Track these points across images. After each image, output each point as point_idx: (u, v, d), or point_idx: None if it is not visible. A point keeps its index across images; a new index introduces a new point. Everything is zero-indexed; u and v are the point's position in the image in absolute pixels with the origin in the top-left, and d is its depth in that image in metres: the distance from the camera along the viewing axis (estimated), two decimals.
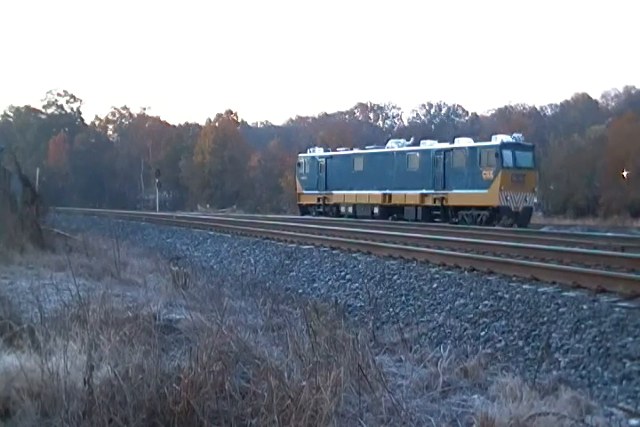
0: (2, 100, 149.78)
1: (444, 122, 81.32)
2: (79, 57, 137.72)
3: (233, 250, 17.67)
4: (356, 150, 35.49)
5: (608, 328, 7.17)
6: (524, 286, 9.12)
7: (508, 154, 26.31)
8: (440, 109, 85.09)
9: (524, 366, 7.07)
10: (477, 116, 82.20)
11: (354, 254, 13.61)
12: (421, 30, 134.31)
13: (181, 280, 9.68)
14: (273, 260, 15.29)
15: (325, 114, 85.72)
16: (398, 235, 16.92)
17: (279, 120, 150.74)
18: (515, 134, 28.29)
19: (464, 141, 28.94)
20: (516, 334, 7.95)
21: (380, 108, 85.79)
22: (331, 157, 35.59)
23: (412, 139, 33.57)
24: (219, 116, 70.33)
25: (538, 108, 76.10)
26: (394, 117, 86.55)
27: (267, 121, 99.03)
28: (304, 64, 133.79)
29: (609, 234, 19.20)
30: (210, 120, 71.45)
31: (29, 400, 3.81)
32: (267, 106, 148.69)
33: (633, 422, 5.20)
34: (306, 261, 14.10)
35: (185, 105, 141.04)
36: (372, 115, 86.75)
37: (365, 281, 11.56)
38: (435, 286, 10.24)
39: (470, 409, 4.32)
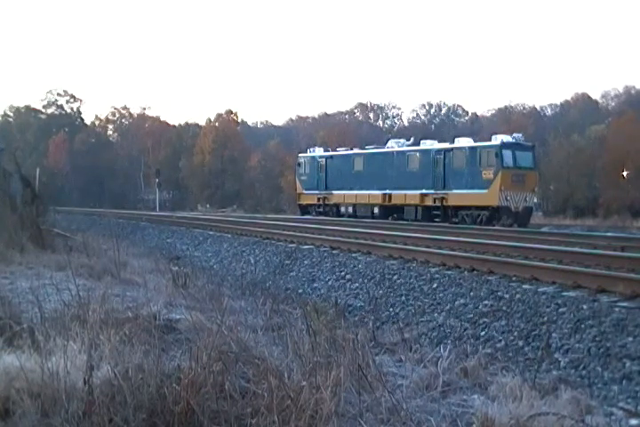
0: (2, 100, 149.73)
1: (443, 122, 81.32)
2: (79, 57, 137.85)
3: (233, 250, 17.66)
4: (356, 150, 35.48)
5: (608, 328, 7.17)
6: (524, 286, 9.11)
7: (508, 154, 26.31)
8: (440, 109, 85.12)
9: (524, 366, 7.06)
10: (477, 116, 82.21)
11: (354, 254, 13.60)
12: (421, 30, 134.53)
13: (181, 280, 9.68)
14: (273, 260, 15.29)
15: (325, 114, 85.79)
16: (398, 235, 16.90)
17: (279, 120, 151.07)
18: (515, 134, 28.28)
19: (464, 141, 28.94)
20: (515, 333, 7.95)
21: (380, 108, 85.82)
22: (331, 156, 35.58)
23: (411, 139, 33.56)
24: (219, 116, 70.34)
25: (538, 108, 76.28)
26: (394, 117, 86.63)
27: (267, 121, 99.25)
28: (304, 64, 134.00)
29: (609, 234, 19.19)
30: (210, 120, 71.52)
31: (29, 400, 3.81)
32: (267, 106, 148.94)
33: (633, 422, 5.20)
34: (306, 261, 14.09)
35: (185, 105, 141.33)
36: (372, 115, 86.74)
37: (365, 281, 11.56)
38: (435, 285, 10.24)
39: (470, 409, 4.32)
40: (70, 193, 66.12)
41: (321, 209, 35.31)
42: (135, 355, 4.29)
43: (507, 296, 8.88)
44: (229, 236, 20.04)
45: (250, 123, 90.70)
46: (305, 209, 36.89)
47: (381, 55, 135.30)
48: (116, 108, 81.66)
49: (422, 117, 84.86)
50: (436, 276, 10.60)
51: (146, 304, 6.42)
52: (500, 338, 8.00)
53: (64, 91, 78.85)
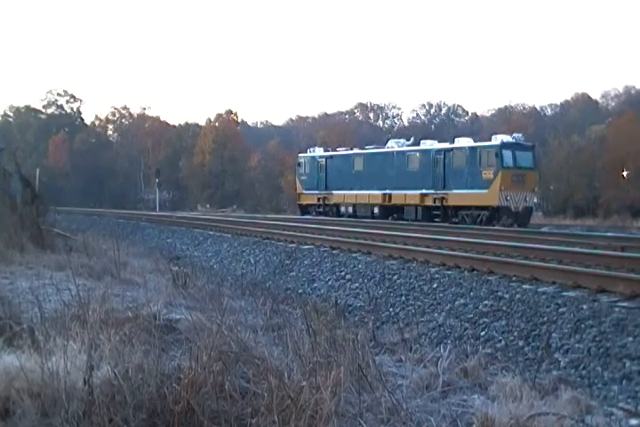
0: (2, 100, 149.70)
1: (443, 122, 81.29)
2: (79, 57, 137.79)
3: (233, 250, 17.66)
4: (356, 150, 35.47)
5: (608, 328, 7.17)
6: (524, 286, 9.12)
7: (507, 154, 26.32)
8: (440, 109, 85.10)
9: (524, 366, 7.07)
10: (477, 116, 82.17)
11: (354, 254, 13.60)
12: (421, 30, 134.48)
13: (181, 280, 9.68)
14: (273, 260, 15.29)
15: (325, 114, 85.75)
16: (398, 235, 16.90)
17: (279, 120, 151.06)
18: (515, 134, 28.28)
19: (464, 141, 28.94)
20: (515, 333, 7.95)
21: (380, 108, 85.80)
22: (331, 156, 35.58)
23: (412, 139, 33.56)
24: (219, 116, 70.28)
25: (538, 108, 76.22)
26: (394, 117, 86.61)
27: (267, 121, 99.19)
28: (304, 64, 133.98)
29: (609, 234, 19.19)
30: (210, 120, 71.45)
31: (29, 400, 3.81)
32: (267, 106, 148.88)
33: (633, 422, 5.21)
34: (306, 261, 14.09)
35: (185, 105, 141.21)
36: (372, 115, 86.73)
37: (365, 281, 11.56)
38: (435, 285, 10.24)
39: (470, 409, 4.32)
40: (70, 193, 66.02)
41: (321, 209, 35.30)
42: (135, 355, 4.28)
43: (507, 296, 8.88)
44: (229, 236, 20.04)
45: (250, 123, 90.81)
46: (305, 209, 36.89)
47: (381, 55, 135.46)
48: (116, 108, 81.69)
49: (422, 117, 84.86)
50: (436, 276, 10.60)
51: (146, 304, 6.41)
52: (500, 338, 8.00)
53: (64, 91, 78.89)
